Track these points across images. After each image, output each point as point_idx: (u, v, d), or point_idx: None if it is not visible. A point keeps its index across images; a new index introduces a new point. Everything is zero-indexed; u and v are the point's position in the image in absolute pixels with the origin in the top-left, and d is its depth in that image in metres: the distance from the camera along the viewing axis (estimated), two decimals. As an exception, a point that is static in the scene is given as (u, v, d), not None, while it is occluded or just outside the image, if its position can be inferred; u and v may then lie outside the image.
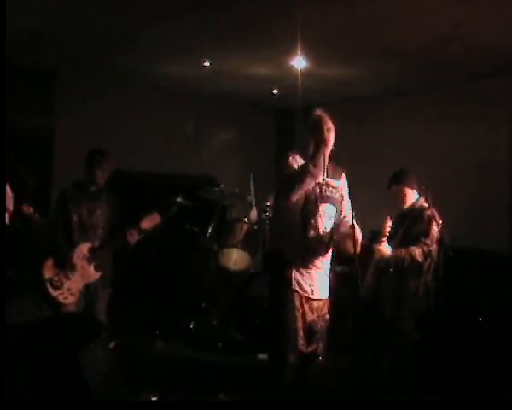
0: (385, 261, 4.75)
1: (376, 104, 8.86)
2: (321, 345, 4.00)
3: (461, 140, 7.71)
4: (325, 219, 3.92)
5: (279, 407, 3.91)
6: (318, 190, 3.89)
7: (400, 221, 4.93)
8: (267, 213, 6.68)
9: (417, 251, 4.67)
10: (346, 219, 4.08)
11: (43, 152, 8.31)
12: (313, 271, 3.92)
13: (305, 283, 3.89)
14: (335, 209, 4.00)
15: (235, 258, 6.77)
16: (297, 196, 3.79)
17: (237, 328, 6.33)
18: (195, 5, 5.34)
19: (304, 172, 3.75)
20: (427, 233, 4.73)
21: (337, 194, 4.03)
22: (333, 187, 4.00)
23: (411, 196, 4.96)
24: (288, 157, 3.93)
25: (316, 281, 3.93)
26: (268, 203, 6.70)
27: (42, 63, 7.94)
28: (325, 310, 4.02)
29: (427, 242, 4.70)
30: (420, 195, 4.97)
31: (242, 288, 6.43)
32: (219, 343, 6.25)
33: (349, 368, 5.26)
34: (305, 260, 3.90)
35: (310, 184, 3.79)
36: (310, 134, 3.90)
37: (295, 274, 3.87)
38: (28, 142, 8.01)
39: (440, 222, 4.68)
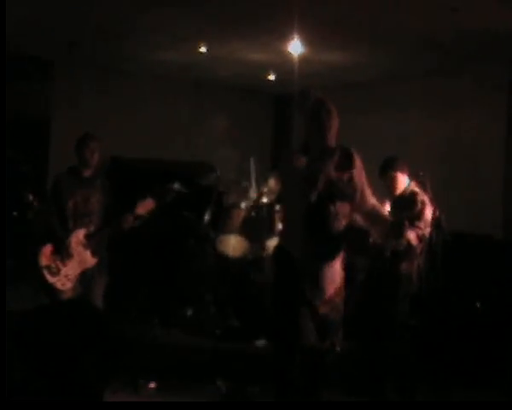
0: (381, 246, 4.74)
1: (374, 89, 8.84)
2: (337, 337, 3.87)
3: (458, 125, 7.70)
4: (335, 217, 3.75)
5: (279, 407, 3.91)
6: (327, 189, 3.69)
7: (394, 207, 4.93)
8: (265, 200, 6.67)
9: (412, 235, 4.67)
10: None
11: (39, 140, 8.30)
12: (323, 268, 3.78)
13: (314, 280, 3.75)
14: (346, 205, 3.80)
15: (233, 244, 6.75)
16: (314, 197, 3.65)
17: (235, 315, 6.34)
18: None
19: (316, 173, 3.62)
20: (419, 217, 4.73)
21: (349, 187, 3.79)
22: (344, 181, 3.77)
23: (403, 182, 4.97)
24: (292, 157, 3.83)
25: (324, 277, 3.78)
26: (266, 189, 6.69)
27: (38, 52, 7.92)
28: (338, 299, 3.86)
29: (421, 225, 4.70)
30: (410, 180, 4.97)
31: (240, 274, 6.43)
32: (217, 330, 6.25)
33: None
34: (313, 259, 3.75)
35: (323, 182, 3.64)
36: (310, 123, 3.82)
37: (304, 273, 3.74)
38: (25, 129, 7.99)
39: (434, 206, 4.68)
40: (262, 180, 6.87)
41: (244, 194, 7.02)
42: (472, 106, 7.58)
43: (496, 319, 5.57)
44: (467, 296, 5.78)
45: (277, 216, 6.67)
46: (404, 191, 4.95)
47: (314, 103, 3.84)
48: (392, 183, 4.96)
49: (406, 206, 4.83)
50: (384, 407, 4.51)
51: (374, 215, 3.94)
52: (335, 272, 3.86)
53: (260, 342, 5.99)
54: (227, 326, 6.32)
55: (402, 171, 4.96)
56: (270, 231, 6.64)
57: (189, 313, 6.58)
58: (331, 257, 3.82)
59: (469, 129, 7.56)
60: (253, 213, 6.78)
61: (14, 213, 5.92)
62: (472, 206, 7.29)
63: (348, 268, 4.15)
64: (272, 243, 6.22)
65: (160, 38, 6.98)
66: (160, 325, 6.35)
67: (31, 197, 4.90)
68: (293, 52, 6.85)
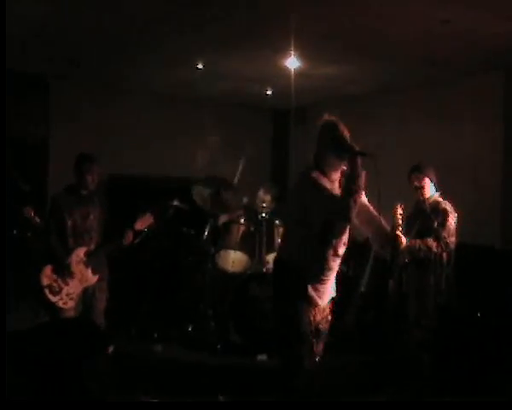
0: (401, 253, 4.77)
1: (370, 102, 8.87)
2: (321, 346, 3.98)
3: (455, 137, 7.72)
4: (341, 236, 3.82)
5: (279, 407, 3.91)
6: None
7: (417, 215, 4.95)
8: (264, 215, 6.68)
9: (433, 242, 4.70)
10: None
11: (38, 158, 8.32)
12: (326, 282, 3.84)
13: (317, 293, 3.80)
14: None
15: (233, 260, 6.76)
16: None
17: (236, 330, 6.33)
18: (187, 7, 5.34)
19: (351, 194, 3.57)
20: (443, 225, 4.77)
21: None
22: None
23: (429, 189, 5.00)
24: (314, 176, 3.70)
25: (326, 289, 3.86)
26: (264, 204, 6.69)
27: (37, 70, 7.95)
28: (327, 311, 3.95)
29: (444, 234, 4.74)
30: (436, 189, 5.02)
31: (240, 289, 6.42)
32: (218, 346, 6.25)
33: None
34: (321, 274, 3.80)
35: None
36: (327, 146, 3.73)
37: (309, 287, 3.77)
38: (24, 148, 8.02)
39: (456, 215, 4.78)
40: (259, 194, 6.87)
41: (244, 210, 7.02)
42: (469, 117, 7.60)
43: (497, 328, 5.56)
44: (469, 306, 5.78)
45: (277, 231, 6.68)
46: (429, 199, 4.99)
47: (331, 124, 3.77)
48: (420, 186, 4.98)
49: (431, 213, 4.86)
50: (384, 407, 4.49)
51: (375, 225, 3.93)
52: (333, 285, 3.95)
53: (261, 357, 5.98)
54: (227, 341, 6.31)
55: (430, 177, 5.01)
56: (270, 246, 6.65)
57: (190, 328, 6.58)
58: (334, 271, 3.89)
59: (466, 140, 7.58)
60: (252, 229, 6.78)
61: (14, 232, 5.92)
62: (470, 216, 7.29)
63: (346, 281, 4.18)
64: (272, 257, 6.23)
65: (156, 55, 7.01)
66: (160, 340, 6.34)
67: (31, 213, 4.91)
68: (289, 67, 6.90)
